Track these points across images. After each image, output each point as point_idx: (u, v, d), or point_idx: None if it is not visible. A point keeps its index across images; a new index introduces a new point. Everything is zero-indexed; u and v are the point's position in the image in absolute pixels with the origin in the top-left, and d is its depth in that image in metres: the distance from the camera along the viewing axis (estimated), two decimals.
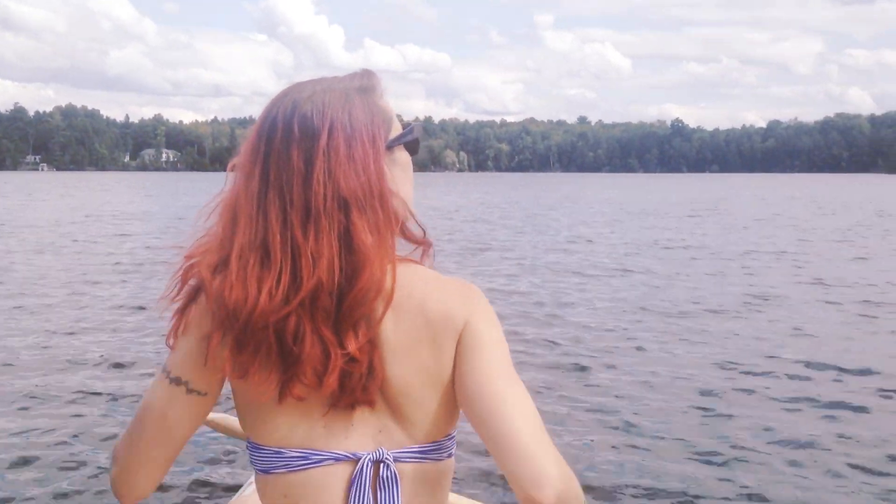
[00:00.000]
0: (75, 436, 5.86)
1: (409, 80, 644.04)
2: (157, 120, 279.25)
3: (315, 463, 1.49)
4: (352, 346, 1.41)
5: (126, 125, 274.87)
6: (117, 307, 11.20)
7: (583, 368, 7.93)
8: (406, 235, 1.54)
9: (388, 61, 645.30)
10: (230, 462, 5.30)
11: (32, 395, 6.81)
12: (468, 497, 2.23)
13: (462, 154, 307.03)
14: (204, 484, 4.95)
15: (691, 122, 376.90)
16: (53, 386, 7.11)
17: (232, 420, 2.25)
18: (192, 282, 1.52)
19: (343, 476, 1.49)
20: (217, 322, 1.43)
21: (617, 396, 6.97)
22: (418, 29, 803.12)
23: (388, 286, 1.44)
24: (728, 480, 5.11)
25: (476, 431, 1.45)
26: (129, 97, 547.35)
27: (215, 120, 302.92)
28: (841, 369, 7.85)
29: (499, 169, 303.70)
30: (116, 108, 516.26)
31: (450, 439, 1.57)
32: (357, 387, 1.45)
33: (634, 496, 4.89)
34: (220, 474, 5.12)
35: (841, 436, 5.93)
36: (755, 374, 7.71)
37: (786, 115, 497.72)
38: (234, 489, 4.31)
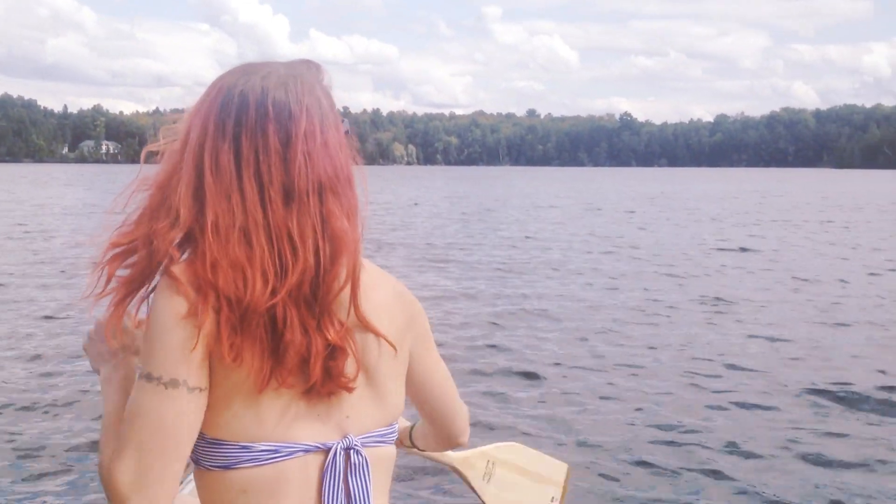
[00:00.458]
0: None
1: (356, 71, 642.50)
2: (97, 111, 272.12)
3: (285, 456, 1.47)
4: (332, 333, 1.44)
5: (64, 116, 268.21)
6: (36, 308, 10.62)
7: (532, 375, 7.58)
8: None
9: (334, 52, 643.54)
10: None
11: None
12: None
13: (411, 147, 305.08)
14: None
15: (639, 115, 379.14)
16: None
17: None
18: (124, 272, 1.47)
19: (312, 467, 1.50)
20: (202, 305, 1.38)
21: (566, 401, 6.75)
22: (365, 20, 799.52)
23: (358, 272, 1.48)
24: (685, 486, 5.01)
25: (415, 400, 1.76)
26: (68, 87, 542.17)
27: (157, 111, 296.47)
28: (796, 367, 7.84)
29: (448, 162, 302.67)
30: (54, 99, 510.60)
31: (397, 423, 1.64)
32: (340, 373, 1.47)
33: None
34: None
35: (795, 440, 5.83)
36: (713, 377, 7.49)
37: (732, 109, 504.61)
38: None
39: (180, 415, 1.40)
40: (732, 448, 5.67)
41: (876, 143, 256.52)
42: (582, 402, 6.75)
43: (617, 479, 5.14)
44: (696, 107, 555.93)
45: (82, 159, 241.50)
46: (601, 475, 5.19)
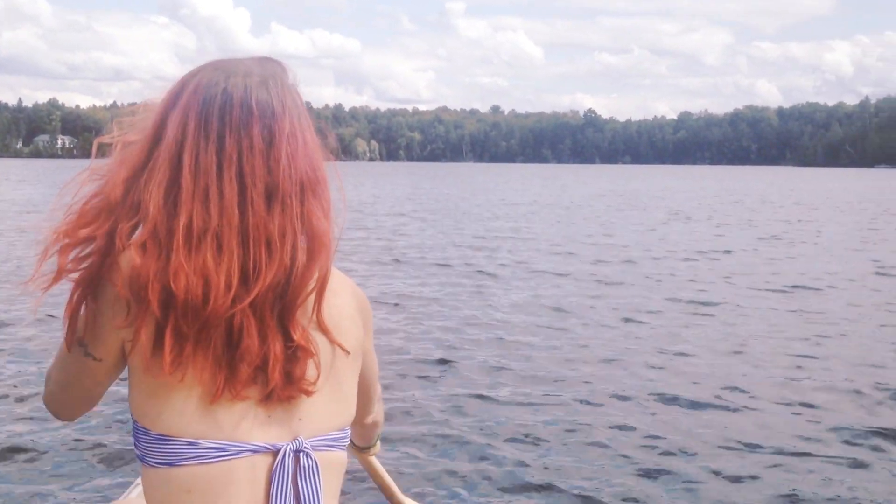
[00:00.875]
0: None
1: (318, 66, 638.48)
2: (53, 105, 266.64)
3: (232, 455, 1.45)
4: (297, 335, 1.44)
5: (19, 109, 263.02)
6: None
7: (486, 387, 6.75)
8: None
9: (296, 47, 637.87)
10: (113, 466, 4.96)
11: None
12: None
13: (373, 143, 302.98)
14: (85, 489, 4.64)
15: (604, 112, 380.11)
16: None
17: None
18: (76, 266, 1.44)
19: (260, 468, 1.47)
20: (147, 311, 1.38)
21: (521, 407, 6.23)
22: (327, 13, 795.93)
23: (328, 275, 1.48)
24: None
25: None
26: (22, 80, 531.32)
27: (114, 105, 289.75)
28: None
29: (411, 158, 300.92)
30: (8, 92, 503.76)
31: (348, 426, 1.61)
32: (301, 377, 1.45)
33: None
34: (101, 477, 4.80)
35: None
36: (676, 384, 6.96)
37: (696, 106, 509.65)
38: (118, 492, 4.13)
39: (91, 377, 1.52)
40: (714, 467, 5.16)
41: (838, 141, 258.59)
42: (544, 411, 6.21)
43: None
44: (660, 104, 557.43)
45: (37, 154, 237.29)
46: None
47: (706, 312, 10.31)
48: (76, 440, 5.30)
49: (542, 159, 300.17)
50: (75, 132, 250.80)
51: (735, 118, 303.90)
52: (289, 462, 1.46)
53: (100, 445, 5.22)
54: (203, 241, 1.36)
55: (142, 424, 1.47)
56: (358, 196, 41.86)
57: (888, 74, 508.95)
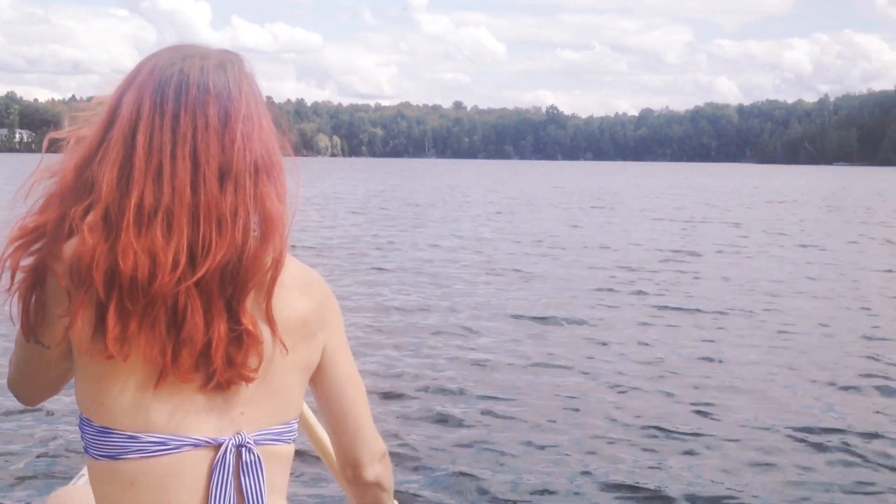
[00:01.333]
0: None
1: (279, 60, 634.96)
2: (10, 98, 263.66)
3: (173, 449, 1.44)
4: (245, 318, 1.42)
5: None
6: None
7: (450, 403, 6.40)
8: None
9: (257, 40, 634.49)
10: (58, 452, 5.02)
11: None
12: None
13: (335, 138, 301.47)
14: (32, 476, 4.72)
15: (566, 108, 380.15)
16: None
17: None
18: (28, 260, 1.43)
19: (202, 462, 1.46)
20: (87, 295, 1.37)
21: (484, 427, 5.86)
22: (288, 7, 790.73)
23: (284, 259, 1.46)
24: None
25: (323, 411, 1.67)
26: None
27: (73, 98, 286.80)
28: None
29: (373, 154, 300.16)
30: None
31: (296, 421, 1.59)
32: (243, 362, 1.43)
33: None
34: (49, 464, 4.89)
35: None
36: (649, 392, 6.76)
37: (657, 103, 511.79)
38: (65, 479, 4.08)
39: (44, 363, 1.51)
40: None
41: (797, 138, 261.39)
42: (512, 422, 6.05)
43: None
44: (622, 101, 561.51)
45: None
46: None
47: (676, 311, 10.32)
48: (27, 426, 5.42)
49: (505, 155, 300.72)
50: (34, 126, 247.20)
51: (696, 115, 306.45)
52: (230, 457, 1.45)
53: (50, 433, 5.32)
54: (153, 219, 1.34)
55: (85, 416, 1.47)
56: (322, 192, 41.51)
57: (846, 72, 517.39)
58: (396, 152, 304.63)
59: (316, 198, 36.26)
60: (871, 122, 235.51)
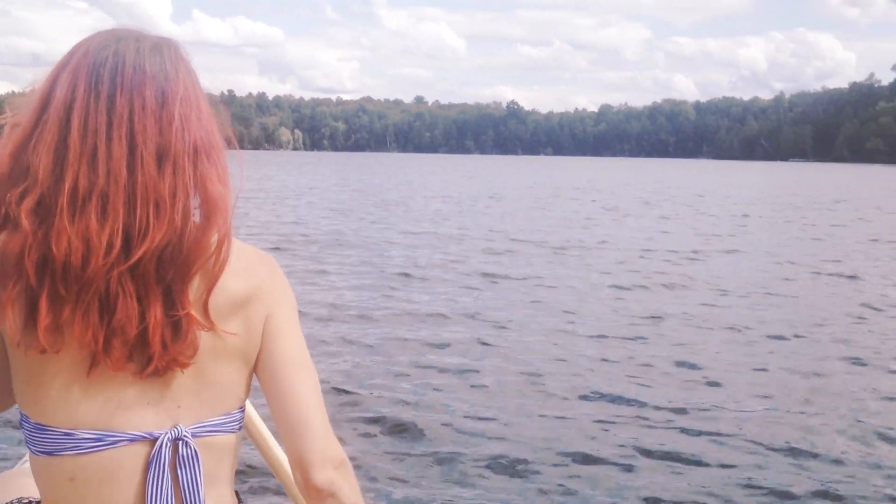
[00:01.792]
0: None
1: (241, 54, 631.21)
2: None
3: (109, 445, 1.42)
4: (184, 304, 1.38)
5: None
6: None
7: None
8: None
9: (218, 35, 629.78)
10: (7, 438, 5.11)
11: None
12: None
13: (297, 132, 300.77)
14: None
15: (526, 104, 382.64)
16: None
17: None
18: None
19: (139, 457, 1.44)
20: (15, 288, 1.33)
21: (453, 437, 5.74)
22: (250, 1, 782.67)
23: (229, 242, 1.43)
24: None
25: (269, 402, 1.54)
26: None
27: (32, 91, 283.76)
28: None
29: (335, 148, 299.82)
30: None
31: (241, 410, 1.55)
32: (180, 350, 1.40)
33: None
34: None
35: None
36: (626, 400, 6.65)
37: (615, 99, 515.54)
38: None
39: None
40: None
41: (754, 135, 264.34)
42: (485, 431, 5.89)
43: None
44: (581, 97, 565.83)
45: None
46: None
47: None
48: None
49: (466, 150, 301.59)
50: None
51: (654, 112, 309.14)
52: (166, 451, 1.44)
53: None
54: (88, 202, 1.32)
55: (23, 411, 1.46)
56: (285, 186, 41.43)
57: (801, 70, 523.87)
58: (358, 146, 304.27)
59: (279, 191, 36.25)
60: (826, 119, 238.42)
